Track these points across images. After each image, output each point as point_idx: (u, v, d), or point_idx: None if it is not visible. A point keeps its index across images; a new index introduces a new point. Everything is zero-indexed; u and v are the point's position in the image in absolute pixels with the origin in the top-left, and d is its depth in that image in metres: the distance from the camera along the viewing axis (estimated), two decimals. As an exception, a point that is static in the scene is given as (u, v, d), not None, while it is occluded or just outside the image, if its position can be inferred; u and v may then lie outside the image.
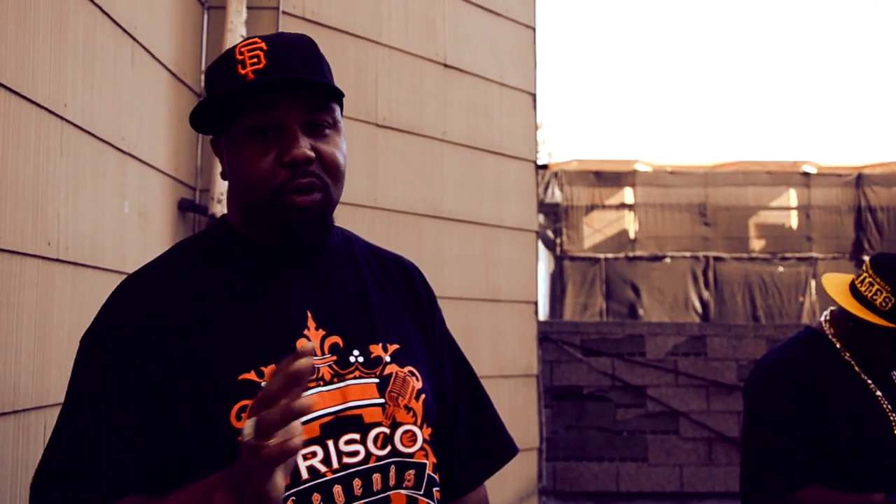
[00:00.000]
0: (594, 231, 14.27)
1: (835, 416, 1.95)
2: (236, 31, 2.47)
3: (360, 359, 1.07)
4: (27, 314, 1.62)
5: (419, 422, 1.09)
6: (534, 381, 3.39)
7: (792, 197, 14.45)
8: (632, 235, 14.01)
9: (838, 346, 2.05)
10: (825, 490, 1.92)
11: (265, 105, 1.02)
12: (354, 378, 1.06)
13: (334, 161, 1.05)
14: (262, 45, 1.04)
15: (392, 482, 1.05)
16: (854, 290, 2.01)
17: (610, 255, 13.62)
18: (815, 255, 13.65)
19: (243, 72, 1.02)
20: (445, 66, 3.15)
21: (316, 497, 0.99)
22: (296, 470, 0.98)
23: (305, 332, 1.05)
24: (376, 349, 1.09)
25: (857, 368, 2.03)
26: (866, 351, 2.02)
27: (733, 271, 13.68)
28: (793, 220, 14.38)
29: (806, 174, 14.16)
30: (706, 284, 13.69)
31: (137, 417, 0.99)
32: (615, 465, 4.38)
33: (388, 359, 1.09)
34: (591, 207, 14.12)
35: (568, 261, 13.53)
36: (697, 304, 13.47)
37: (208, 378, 0.99)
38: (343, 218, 1.18)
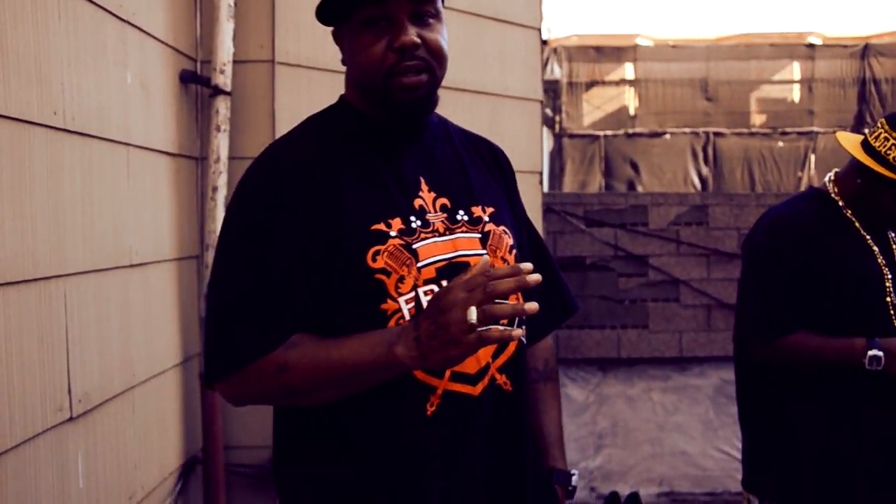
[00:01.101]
0: (594, 108, 14.09)
1: (832, 269, 2.00)
2: None
3: (465, 217, 1.27)
4: (39, 184, 1.63)
5: None
6: (539, 252, 3.43)
7: (795, 70, 14.19)
8: (632, 112, 13.85)
9: (841, 204, 2.08)
10: (812, 335, 1.98)
11: (377, 1, 1.18)
12: (462, 232, 1.26)
13: (438, 45, 1.21)
14: None
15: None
16: (867, 146, 2.01)
17: (609, 133, 13.51)
18: (815, 129, 13.53)
19: None
20: (446, -74, 3.03)
21: None
22: (419, 303, 1.19)
23: (419, 193, 1.25)
24: (477, 210, 1.29)
25: (857, 226, 2.06)
26: (873, 207, 2.05)
27: (733, 147, 13.61)
28: (795, 94, 14.19)
29: (811, 45, 13.85)
30: (705, 160, 13.64)
31: (290, 260, 1.18)
32: (616, 333, 4.49)
33: (486, 218, 1.29)
34: (591, 84, 13.90)
35: (567, 138, 13.44)
36: (696, 181, 13.47)
37: (346, 228, 1.19)
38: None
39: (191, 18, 2.50)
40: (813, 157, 13.55)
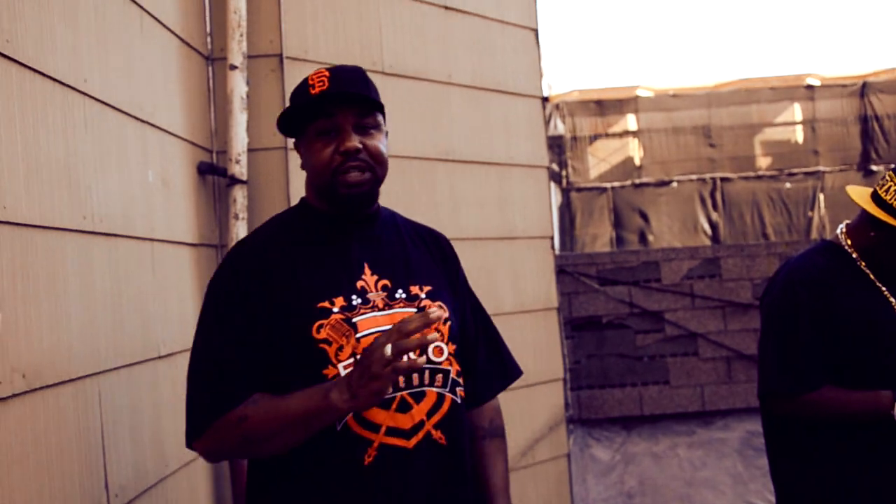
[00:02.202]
0: (599, 160, 14.21)
1: (851, 323, 2.03)
2: (239, -10, 2.49)
3: (403, 295, 1.49)
4: (73, 285, 1.69)
5: (445, 339, 1.50)
6: (554, 314, 3.47)
7: (797, 111, 14.30)
8: (637, 162, 13.96)
9: (855, 255, 2.11)
10: (836, 389, 2.00)
11: (328, 113, 1.45)
12: (400, 307, 1.48)
13: (377, 150, 1.47)
14: (327, 73, 1.48)
15: (426, 381, 1.45)
16: (877, 198, 2.05)
17: (616, 184, 13.59)
18: (822, 168, 13.57)
19: (313, 92, 1.46)
20: (446, 8, 3.15)
21: None
22: None
23: (362, 276, 1.48)
24: (415, 288, 1.51)
25: (872, 277, 2.09)
26: (886, 259, 2.08)
27: (741, 191, 13.65)
28: (798, 135, 14.27)
29: (810, 87, 13.99)
30: (714, 206, 13.66)
31: (249, 334, 1.42)
32: (637, 390, 4.49)
33: (423, 295, 1.51)
34: (595, 137, 14.03)
35: (575, 192, 13.53)
36: (707, 226, 13.48)
37: (296, 305, 1.42)
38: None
39: (205, 111, 2.61)
40: (822, 197, 13.57)
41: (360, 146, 1.44)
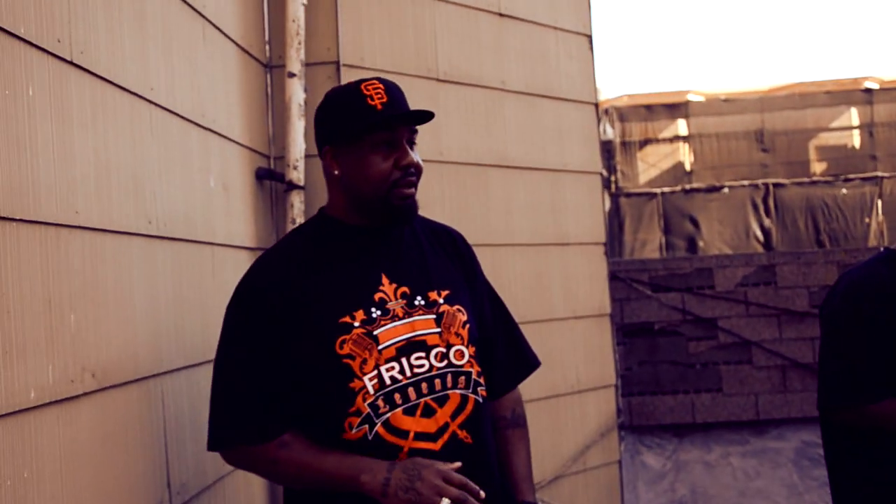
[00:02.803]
0: (649, 166, 14.10)
1: None
2: (297, 0, 2.53)
3: (422, 301, 1.54)
4: (138, 288, 1.74)
5: (465, 343, 1.55)
6: (607, 320, 3.45)
7: (853, 116, 14.01)
8: (687, 168, 13.81)
9: (918, 266, 2.06)
10: None
11: (391, 127, 1.50)
12: (419, 315, 1.53)
13: (420, 168, 1.54)
14: (381, 85, 1.52)
15: (449, 385, 1.51)
16: None
17: (666, 189, 13.45)
18: (880, 174, 13.27)
19: (373, 103, 1.50)
20: (501, 15, 3.16)
21: (397, 395, 1.47)
22: (381, 378, 1.47)
23: (380, 287, 1.53)
24: (433, 294, 1.56)
25: (936, 289, 2.04)
26: None
27: (794, 197, 13.39)
28: (855, 140, 13.98)
29: (868, 90, 13.70)
30: (766, 212, 13.43)
31: (273, 352, 1.50)
32: (690, 398, 4.44)
33: (441, 300, 1.56)
34: (645, 142, 13.93)
35: (624, 197, 13.42)
36: (759, 233, 13.26)
37: (318, 321, 1.49)
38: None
39: (263, 118, 2.66)
40: (880, 203, 13.25)
41: (416, 161, 1.51)
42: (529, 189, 3.15)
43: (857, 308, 2.04)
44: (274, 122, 2.68)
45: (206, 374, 2.09)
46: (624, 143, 13.93)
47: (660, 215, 13.93)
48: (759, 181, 13.97)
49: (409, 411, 1.47)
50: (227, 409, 1.54)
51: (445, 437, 1.49)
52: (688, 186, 14.04)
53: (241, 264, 2.38)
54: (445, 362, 1.51)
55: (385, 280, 1.53)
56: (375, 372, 1.47)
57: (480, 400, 1.56)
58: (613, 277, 4.30)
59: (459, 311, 1.57)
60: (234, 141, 2.37)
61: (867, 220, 13.55)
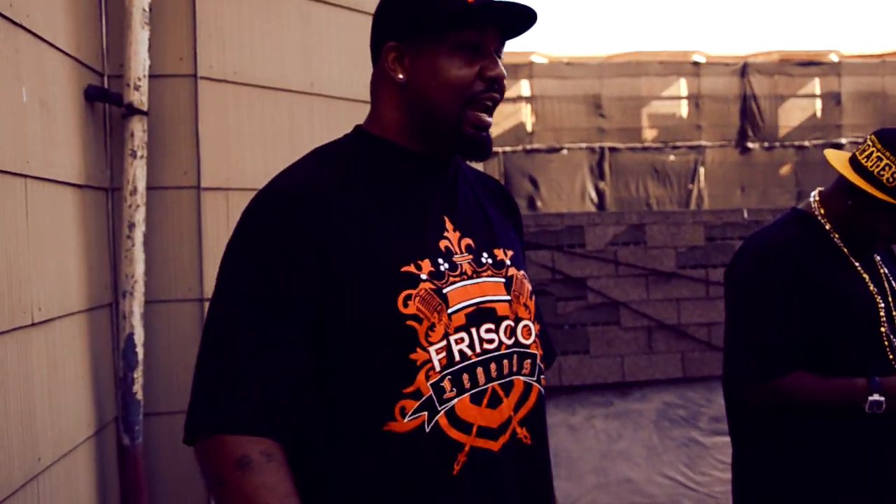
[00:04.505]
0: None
1: (824, 299, 1.89)
2: None
3: (489, 260, 1.21)
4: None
5: (532, 318, 1.23)
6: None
7: (682, 86, 14.69)
8: (529, 128, 13.99)
9: (828, 227, 1.96)
10: (808, 375, 1.86)
11: (480, 26, 1.15)
12: (488, 276, 1.19)
13: (504, 87, 1.19)
14: None
15: (514, 368, 1.19)
16: (856, 164, 1.91)
17: (508, 149, 13.58)
18: (703, 143, 14.02)
19: None
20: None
21: (465, 377, 1.13)
22: (451, 352, 1.12)
23: (445, 233, 1.17)
24: (499, 253, 1.23)
25: (845, 251, 1.95)
26: (863, 229, 1.94)
27: (627, 161, 13.94)
28: (683, 110, 14.67)
29: (696, 63, 14.39)
30: (601, 175, 13.90)
31: (298, 316, 1.07)
32: (557, 360, 4.31)
33: (508, 262, 1.23)
34: None
35: None
36: (594, 195, 13.69)
37: (374, 273, 1.10)
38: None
39: (95, 24, 2.13)
40: (702, 171, 14.03)
41: (505, 75, 1.18)
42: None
43: (765, 272, 1.91)
44: (108, 32, 2.15)
45: (16, 344, 1.61)
46: None
47: (501, 174, 14.14)
48: (596, 145, 14.48)
49: (476, 399, 1.13)
50: (223, 383, 1.05)
51: (506, 435, 1.16)
52: (529, 147, 14.32)
53: (63, 204, 1.88)
54: (513, 340, 1.19)
55: (449, 226, 1.19)
56: (444, 343, 1.11)
57: (542, 391, 1.25)
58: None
59: (525, 277, 1.28)
60: (56, 47, 1.85)
61: (690, 186, 14.37)
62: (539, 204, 13.45)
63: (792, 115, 13.86)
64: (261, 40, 2.35)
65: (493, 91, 1.16)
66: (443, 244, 1.16)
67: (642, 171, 14.03)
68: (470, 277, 1.16)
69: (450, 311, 1.12)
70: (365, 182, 1.16)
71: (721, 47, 18.16)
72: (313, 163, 1.17)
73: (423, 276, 1.12)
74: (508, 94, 14.28)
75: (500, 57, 1.19)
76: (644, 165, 14.04)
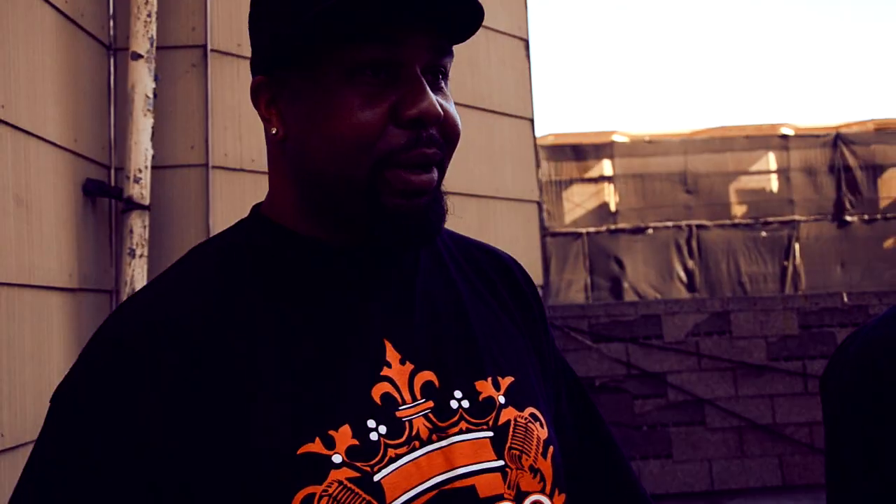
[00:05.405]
0: (574, 205, 14.08)
1: None
2: (145, -46, 1.89)
3: (465, 403, 0.76)
4: None
5: (549, 488, 0.78)
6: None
7: (771, 160, 14.36)
8: (612, 208, 13.79)
9: (951, 324, 1.56)
10: None
11: (388, 36, 0.70)
12: (460, 432, 0.75)
13: (456, 130, 0.75)
14: None
15: None
16: None
17: (592, 229, 13.38)
18: (797, 217, 13.50)
19: None
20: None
21: None
22: None
23: (385, 369, 0.74)
24: (485, 387, 0.78)
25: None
26: None
27: (716, 239, 13.54)
28: (773, 184, 14.27)
29: (784, 136, 14.05)
30: (690, 253, 13.51)
31: None
32: (636, 465, 3.88)
33: (501, 399, 0.78)
34: (570, 181, 13.94)
35: (549, 237, 13.25)
36: (682, 274, 13.28)
37: (254, 463, 0.67)
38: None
39: (101, 116, 1.98)
40: (797, 246, 13.52)
41: (442, 112, 0.73)
42: (452, 217, 2.55)
43: (878, 385, 1.50)
44: (115, 122, 2.01)
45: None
46: (550, 182, 13.94)
47: (585, 255, 13.99)
48: (683, 223, 14.21)
49: None
50: None
51: None
52: (613, 227, 14.17)
53: (45, 313, 1.69)
54: None
55: (393, 354, 0.76)
56: None
57: None
58: (550, 325, 3.72)
59: (534, 419, 0.81)
60: (43, 139, 1.70)
61: (785, 263, 13.91)
62: (625, 285, 13.13)
63: (893, 186, 13.18)
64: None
65: (420, 145, 0.72)
66: (379, 390, 0.72)
67: (733, 248, 13.61)
68: (426, 443, 0.72)
69: None
70: (254, 300, 0.73)
71: (810, 119, 17.76)
72: (180, 277, 0.76)
73: (337, 459, 0.68)
74: (590, 174, 14.16)
75: (441, 75, 0.75)
76: (735, 243, 13.62)
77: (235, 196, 2.05)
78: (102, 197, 1.90)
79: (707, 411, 3.86)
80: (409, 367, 0.75)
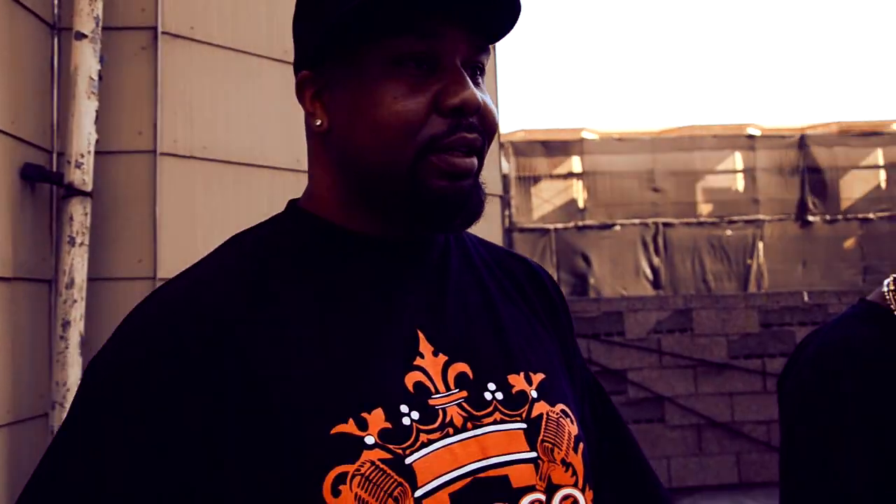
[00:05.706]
0: (543, 201, 14.12)
1: None
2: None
3: (499, 395, 0.79)
4: None
5: (580, 482, 0.80)
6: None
7: (737, 160, 14.52)
8: (581, 204, 13.85)
9: (908, 324, 1.56)
10: None
11: (426, 29, 0.74)
12: (494, 423, 0.76)
13: (494, 120, 0.79)
14: None
15: None
16: None
17: (560, 225, 13.42)
18: (761, 217, 13.65)
19: None
20: None
21: None
22: None
23: (418, 359, 0.76)
24: (517, 380, 0.81)
25: (933, 356, 1.55)
26: None
27: (682, 236, 13.66)
28: (739, 183, 14.42)
29: (751, 136, 14.19)
30: (656, 251, 13.62)
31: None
32: (595, 462, 3.87)
33: (534, 394, 0.81)
34: (539, 178, 13.97)
35: (517, 232, 13.27)
36: (648, 271, 13.38)
37: (289, 436, 0.69)
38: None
39: (42, 98, 1.90)
40: (761, 245, 13.70)
41: (483, 103, 0.76)
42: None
43: (835, 388, 1.50)
44: (58, 106, 1.93)
45: None
46: (519, 178, 13.97)
47: (553, 251, 14.06)
48: (650, 220, 14.35)
49: None
50: None
51: None
52: (581, 223, 14.26)
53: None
54: None
55: (426, 346, 0.78)
56: None
57: None
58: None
59: (565, 414, 0.83)
60: (-22, 121, 1.62)
61: (749, 261, 14.11)
62: (592, 281, 13.21)
63: (854, 187, 13.43)
64: (236, 113, 2.11)
65: (461, 130, 0.74)
66: (412, 378, 0.73)
67: (698, 246, 13.75)
68: (459, 431, 0.73)
69: (418, 493, 0.69)
70: (289, 288, 0.75)
71: (776, 120, 18.01)
72: (217, 264, 0.77)
73: (369, 440, 0.69)
74: (559, 170, 14.21)
75: (479, 70, 0.78)
76: (700, 241, 13.75)
77: (185, 184, 1.98)
78: (42, 182, 1.82)
79: (667, 409, 3.87)
80: (443, 358, 0.77)
